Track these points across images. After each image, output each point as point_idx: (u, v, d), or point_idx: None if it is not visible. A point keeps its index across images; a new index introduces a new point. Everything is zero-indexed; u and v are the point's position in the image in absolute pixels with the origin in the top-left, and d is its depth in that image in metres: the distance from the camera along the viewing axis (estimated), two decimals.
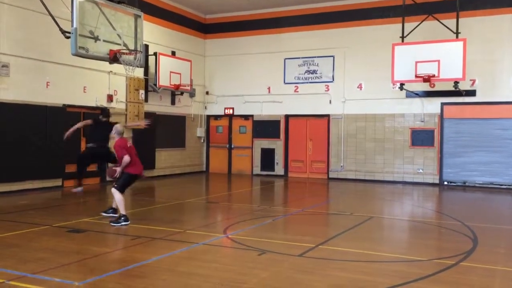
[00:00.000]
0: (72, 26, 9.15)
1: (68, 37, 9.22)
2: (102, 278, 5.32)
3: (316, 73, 17.53)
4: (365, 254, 6.73)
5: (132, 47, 10.31)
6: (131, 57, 9.93)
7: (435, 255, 6.75)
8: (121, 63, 9.97)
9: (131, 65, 9.88)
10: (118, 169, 8.54)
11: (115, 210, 8.90)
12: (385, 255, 6.73)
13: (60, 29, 9.51)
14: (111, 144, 9.76)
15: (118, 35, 10.20)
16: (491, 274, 5.83)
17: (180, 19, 18.05)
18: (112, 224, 8.25)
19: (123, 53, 9.81)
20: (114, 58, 9.71)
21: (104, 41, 9.73)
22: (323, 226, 9.22)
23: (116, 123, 9.73)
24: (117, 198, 8.44)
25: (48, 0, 10.51)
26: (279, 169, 18.19)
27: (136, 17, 10.60)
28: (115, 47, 9.97)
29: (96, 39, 9.66)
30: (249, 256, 6.42)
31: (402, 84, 14.27)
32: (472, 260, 6.39)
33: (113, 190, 8.48)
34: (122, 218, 8.30)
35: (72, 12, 9.15)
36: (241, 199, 12.83)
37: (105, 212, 9.13)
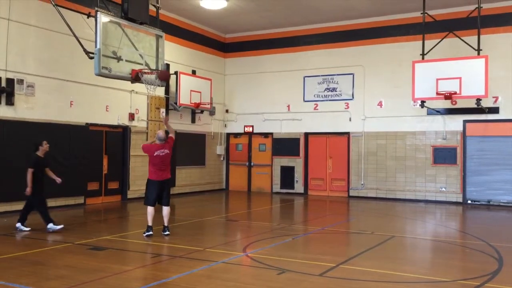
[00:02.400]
0: (95, 47, 9.35)
1: (91, 58, 9.41)
2: None
3: (335, 91, 17.53)
4: (387, 274, 6.62)
5: (153, 66, 10.46)
6: (153, 76, 10.07)
7: (459, 276, 6.60)
8: (142, 83, 10.11)
9: (152, 84, 10.01)
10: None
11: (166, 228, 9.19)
12: (408, 276, 6.61)
13: (84, 50, 9.71)
14: None
15: (140, 55, 10.36)
16: None
17: (201, 39, 18.30)
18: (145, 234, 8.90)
19: (145, 73, 9.95)
20: (136, 77, 9.87)
21: (126, 61, 9.90)
22: (343, 245, 9.11)
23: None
24: (148, 211, 9.12)
25: (72, 22, 10.74)
26: (299, 187, 18.11)
27: (158, 37, 10.78)
28: (137, 67, 10.13)
29: (118, 59, 9.84)
30: (269, 275, 6.38)
31: (423, 102, 14.16)
32: (497, 281, 6.24)
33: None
34: (149, 229, 9.00)
35: (96, 33, 9.35)
36: (261, 217, 12.78)
37: (163, 230, 9.22)
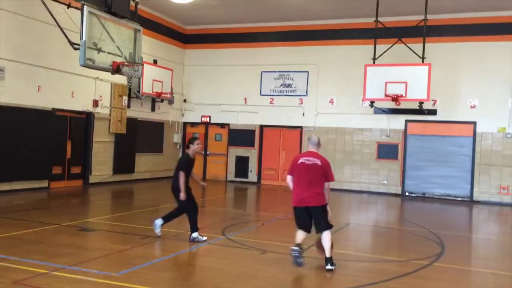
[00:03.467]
0: (81, 38, 9.75)
1: (76, 49, 9.82)
2: (134, 270, 6.06)
3: (291, 87, 18.60)
4: (352, 255, 7.74)
5: (131, 58, 10.97)
6: (132, 68, 10.61)
7: (412, 257, 7.81)
8: (123, 74, 10.63)
9: (132, 76, 10.56)
10: None
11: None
12: (369, 256, 7.77)
13: (69, 41, 10.08)
14: None
15: (118, 47, 10.84)
16: (461, 273, 6.95)
17: (162, 29, 18.70)
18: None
19: (126, 65, 10.47)
20: (117, 69, 10.36)
21: (108, 53, 10.36)
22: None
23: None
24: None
25: (52, 11, 10.99)
26: (252, 176, 19.10)
27: (136, 31, 11.29)
28: (117, 59, 10.62)
29: (99, 50, 10.28)
30: (254, 255, 7.29)
31: (372, 102, 15.53)
32: (443, 261, 7.50)
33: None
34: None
35: (81, 25, 9.74)
36: (225, 204, 13.66)
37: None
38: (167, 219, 8.18)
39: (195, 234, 7.90)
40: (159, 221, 8.06)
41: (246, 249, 7.62)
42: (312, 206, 6.63)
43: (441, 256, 7.86)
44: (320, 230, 6.70)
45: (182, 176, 7.84)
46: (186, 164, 7.99)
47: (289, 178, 6.88)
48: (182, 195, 7.86)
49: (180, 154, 19.96)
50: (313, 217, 6.69)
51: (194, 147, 8.08)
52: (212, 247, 7.71)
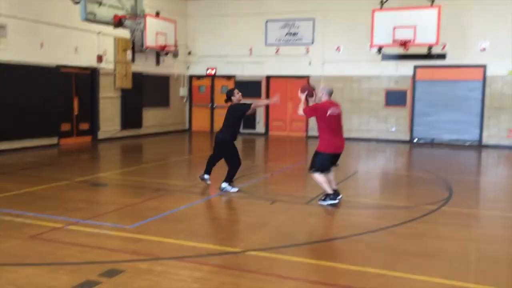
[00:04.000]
0: None
1: (77, 3, 9.66)
2: (146, 222, 6.19)
3: (296, 36, 18.27)
4: (361, 202, 7.83)
5: (133, 11, 10.77)
6: (134, 21, 10.43)
7: (419, 202, 7.87)
8: (125, 28, 10.46)
9: (134, 30, 10.39)
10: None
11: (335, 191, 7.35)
12: (378, 202, 7.86)
13: None
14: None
15: (119, 0, 10.62)
16: (469, 216, 7.02)
17: None
18: (319, 202, 7.33)
19: (127, 18, 10.29)
20: (118, 23, 10.22)
21: (109, 6, 10.17)
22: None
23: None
24: (319, 179, 7.23)
25: None
26: (260, 128, 19.12)
27: None
28: (118, 12, 10.44)
29: (100, 4, 10.11)
30: (263, 205, 7.39)
31: (380, 48, 15.25)
32: (451, 205, 7.56)
33: (313, 174, 7.29)
34: (330, 196, 7.22)
35: None
36: None
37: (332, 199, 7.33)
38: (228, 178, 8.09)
39: (224, 184, 8.01)
40: (223, 184, 7.99)
41: (256, 199, 7.72)
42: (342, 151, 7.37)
43: (449, 200, 7.92)
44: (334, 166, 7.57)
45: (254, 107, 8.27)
46: (242, 107, 8.23)
47: (301, 114, 7.43)
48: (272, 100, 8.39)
49: (187, 108, 20.03)
50: (335, 159, 7.44)
51: (236, 97, 8.35)
52: (222, 198, 7.82)
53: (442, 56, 16.32)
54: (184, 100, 19.97)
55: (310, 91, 7.34)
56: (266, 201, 7.58)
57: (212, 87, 19.81)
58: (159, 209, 6.88)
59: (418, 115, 17.04)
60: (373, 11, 14.85)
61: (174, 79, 19.27)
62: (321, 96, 7.33)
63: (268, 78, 18.81)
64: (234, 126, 8.32)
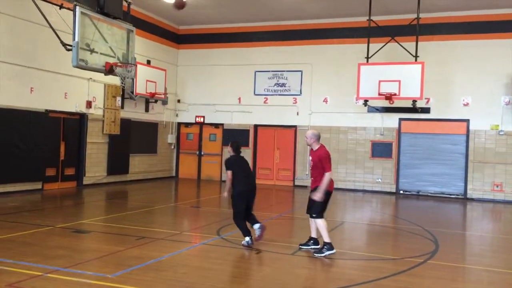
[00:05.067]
0: (73, 39, 9.71)
1: (69, 50, 9.77)
2: (130, 271, 6.05)
3: (285, 86, 18.62)
4: (348, 253, 7.76)
5: (124, 59, 10.94)
6: (125, 69, 10.59)
7: (406, 255, 7.83)
8: (116, 75, 10.60)
9: (125, 77, 10.53)
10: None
11: (316, 241, 7.77)
12: (365, 254, 7.80)
13: (61, 42, 10.04)
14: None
15: (111, 48, 10.80)
16: (455, 270, 6.99)
17: (155, 29, 18.66)
18: (316, 254, 7.33)
19: (119, 66, 10.44)
20: (110, 70, 10.33)
21: (101, 53, 10.33)
22: (303, 229, 10.09)
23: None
24: (320, 225, 7.50)
25: (44, 11, 10.92)
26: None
27: (129, 31, 11.25)
28: (110, 59, 10.58)
29: (92, 51, 10.24)
30: (248, 255, 7.30)
31: (366, 101, 15.56)
32: (437, 259, 7.53)
33: (313, 220, 7.62)
34: (325, 247, 7.37)
35: (74, 26, 9.71)
36: (220, 204, 13.64)
37: (305, 245, 7.80)
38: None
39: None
40: (256, 226, 7.97)
41: (241, 249, 7.62)
42: None
43: (435, 253, 7.89)
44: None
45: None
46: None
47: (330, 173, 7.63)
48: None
49: (175, 155, 20.02)
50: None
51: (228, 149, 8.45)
52: (207, 247, 7.71)
53: (426, 110, 16.70)
54: (172, 147, 19.99)
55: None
56: (251, 250, 7.48)
57: (200, 135, 19.91)
58: (142, 258, 6.75)
59: (404, 167, 17.21)
60: (359, 65, 15.25)
61: (163, 126, 19.36)
62: (312, 143, 7.61)
63: (256, 126, 18.99)
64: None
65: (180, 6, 7.32)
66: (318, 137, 7.65)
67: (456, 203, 15.37)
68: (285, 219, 11.03)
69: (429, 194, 16.76)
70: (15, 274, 5.72)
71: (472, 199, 16.03)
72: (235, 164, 8.06)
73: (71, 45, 9.76)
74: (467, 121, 16.35)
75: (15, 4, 12.65)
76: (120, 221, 9.62)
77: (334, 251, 7.39)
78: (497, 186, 15.94)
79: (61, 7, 10.78)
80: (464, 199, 16.09)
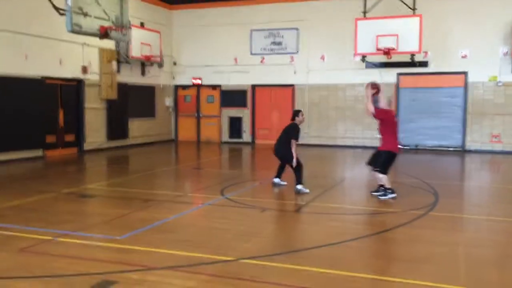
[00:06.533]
0: (66, 3, 9.53)
1: (62, 14, 9.61)
2: (138, 233, 6.17)
3: (281, 45, 18.41)
4: (349, 209, 7.90)
5: (118, 22, 10.76)
6: (120, 32, 10.44)
7: (407, 208, 7.96)
8: (111, 39, 10.46)
9: (120, 41, 10.41)
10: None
11: (383, 186, 8.57)
12: (366, 209, 7.94)
13: (54, 6, 9.84)
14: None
15: (104, 11, 10.60)
16: (455, 220, 7.14)
17: None
18: (380, 197, 8.34)
19: (113, 29, 10.29)
20: (104, 34, 10.19)
21: (94, 17, 10.15)
22: (306, 187, 10.28)
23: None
24: (382, 177, 8.41)
25: None
26: (246, 137, 19.16)
27: None
28: (104, 23, 10.42)
29: (85, 15, 10.05)
30: (254, 213, 7.42)
31: (364, 56, 15.45)
32: (437, 210, 7.68)
33: (377, 175, 8.45)
34: (389, 190, 8.37)
35: None
36: (221, 165, 13.77)
37: (375, 191, 8.65)
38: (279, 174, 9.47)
39: (299, 186, 8.80)
40: (276, 180, 9.43)
41: (246, 208, 7.74)
42: None
43: (435, 205, 8.03)
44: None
45: (294, 144, 8.98)
46: (298, 132, 9.17)
47: (372, 112, 8.38)
48: (295, 162, 8.90)
49: (173, 118, 20.00)
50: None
51: (299, 118, 9.30)
52: (212, 207, 7.83)
53: (424, 64, 16.58)
54: (170, 110, 19.94)
55: (379, 88, 8.47)
56: (256, 209, 7.61)
57: (198, 97, 19.83)
58: (148, 220, 6.86)
59: (402, 122, 17.20)
60: (356, 20, 15.07)
61: (160, 90, 19.26)
62: (382, 104, 8.48)
63: (253, 87, 18.90)
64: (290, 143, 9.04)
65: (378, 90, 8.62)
66: (388, 102, 8.87)
67: (454, 156, 15.51)
68: (285, 178, 11.14)
69: (428, 148, 16.88)
70: (26, 239, 5.83)
71: (470, 151, 16.17)
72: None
73: (64, 10, 9.58)
74: (465, 73, 16.28)
75: None
76: (124, 185, 9.73)
77: (395, 195, 8.32)
78: (495, 137, 16.05)
79: None
80: (462, 151, 16.23)
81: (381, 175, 8.41)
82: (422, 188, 9.56)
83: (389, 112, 8.51)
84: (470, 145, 16.34)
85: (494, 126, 16.04)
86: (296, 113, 9.44)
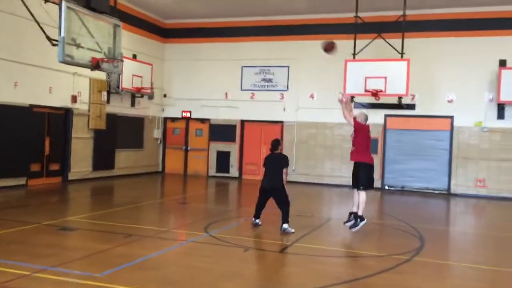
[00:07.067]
0: (59, 34, 9.58)
1: (54, 45, 9.65)
2: (118, 270, 6.03)
3: (271, 82, 18.63)
4: (334, 251, 7.83)
5: (111, 54, 10.83)
6: (112, 64, 10.49)
7: (392, 252, 7.92)
8: (102, 70, 10.50)
9: (112, 72, 10.45)
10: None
11: (355, 215, 8.88)
12: (351, 251, 7.87)
13: (47, 37, 9.89)
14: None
15: (97, 43, 10.68)
16: (441, 267, 7.09)
17: (141, 23, 18.49)
18: (353, 229, 8.61)
19: (105, 61, 10.35)
20: (96, 65, 10.23)
21: (87, 49, 10.22)
22: (291, 226, 10.19)
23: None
24: (363, 198, 8.74)
25: (29, 5, 10.74)
26: (233, 172, 19.10)
27: (116, 26, 11.13)
28: (97, 55, 10.48)
29: (78, 46, 10.12)
30: (237, 252, 7.32)
31: (352, 97, 15.62)
32: (423, 255, 7.64)
33: (362, 192, 8.74)
34: (359, 218, 8.59)
35: (60, 21, 9.57)
36: (207, 200, 13.66)
37: (348, 221, 9.02)
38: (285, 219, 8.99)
39: (286, 225, 8.85)
40: (258, 221, 9.33)
41: (229, 246, 7.64)
42: None
43: (421, 250, 8.00)
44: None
45: (287, 172, 9.32)
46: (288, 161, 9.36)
47: (349, 120, 9.00)
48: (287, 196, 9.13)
49: (161, 150, 19.92)
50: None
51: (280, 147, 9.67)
52: (195, 245, 7.72)
53: (411, 107, 16.82)
54: (158, 142, 19.89)
55: (351, 97, 8.87)
56: (239, 248, 7.51)
57: (187, 130, 19.83)
58: (130, 256, 6.73)
59: (389, 163, 17.36)
60: (346, 61, 15.31)
61: (149, 121, 19.25)
62: (360, 119, 8.82)
63: (242, 122, 18.98)
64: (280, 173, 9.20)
65: (329, 49, 8.96)
66: (365, 118, 8.92)
67: (440, 199, 15.58)
68: (273, 215, 11.04)
69: (414, 190, 16.94)
70: (2, 273, 5.67)
71: (455, 195, 16.25)
72: (266, 160, 9.48)
73: (56, 40, 9.63)
74: (452, 117, 16.53)
75: None
76: (106, 218, 9.57)
77: (365, 221, 8.65)
78: (480, 182, 16.18)
79: (46, 1, 10.58)
80: (448, 195, 16.31)
81: (365, 197, 8.74)
82: (408, 232, 9.54)
83: (366, 127, 8.84)
84: (455, 188, 16.44)
85: (479, 170, 16.19)
86: (278, 142, 9.70)
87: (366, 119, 8.92)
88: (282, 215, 8.96)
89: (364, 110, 9.58)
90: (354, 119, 8.82)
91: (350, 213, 9.06)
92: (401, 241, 8.74)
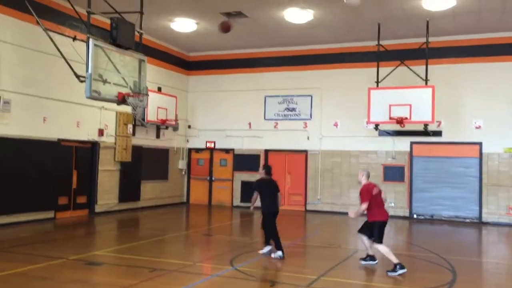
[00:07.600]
0: (87, 71, 9.83)
1: (82, 81, 9.89)
2: None
3: (295, 111, 18.65)
4: (363, 285, 7.63)
5: (136, 88, 11.02)
6: (138, 99, 10.67)
7: (423, 285, 7.68)
8: (128, 105, 10.68)
9: (138, 106, 10.62)
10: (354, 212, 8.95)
11: (373, 257, 9.04)
12: (382, 286, 7.65)
13: (75, 74, 10.14)
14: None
15: (123, 78, 10.89)
16: None
17: (165, 56, 18.86)
18: (389, 273, 8.22)
19: (131, 96, 10.53)
20: (122, 100, 10.42)
21: (113, 84, 10.43)
22: (318, 258, 9.97)
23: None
24: (383, 250, 8.55)
25: (58, 43, 11.07)
26: (258, 202, 18.93)
27: (141, 61, 11.37)
28: (122, 89, 10.68)
29: (104, 82, 10.34)
30: (263, 287, 7.19)
31: (377, 125, 15.52)
32: None
33: (376, 245, 8.66)
34: (398, 266, 8.26)
35: (87, 58, 9.84)
36: (232, 232, 13.58)
37: (363, 259, 9.14)
38: (277, 245, 9.40)
39: (280, 253, 9.25)
40: (279, 253, 9.31)
41: (255, 281, 7.53)
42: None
43: (453, 284, 7.74)
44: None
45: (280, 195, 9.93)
46: None
47: (366, 205, 8.68)
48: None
49: (186, 181, 20.01)
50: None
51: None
52: (221, 279, 7.63)
53: (438, 133, 16.57)
54: (183, 173, 20.00)
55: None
56: (265, 283, 7.39)
57: (211, 160, 19.91)
58: None
59: (417, 191, 17.03)
60: (369, 90, 15.26)
61: (174, 152, 19.42)
62: (361, 178, 8.97)
63: (266, 151, 18.97)
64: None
65: (225, 29, 9.10)
66: (367, 175, 9.02)
67: (471, 228, 15.14)
68: (299, 247, 10.91)
69: (443, 218, 16.53)
70: None
71: (487, 223, 15.78)
72: (263, 185, 9.82)
73: (84, 77, 9.86)
74: (480, 144, 16.20)
75: (28, 36, 12.84)
76: (132, 252, 9.58)
77: (405, 269, 8.20)
78: None
79: (74, 39, 10.91)
80: (479, 223, 15.84)
81: (380, 247, 8.60)
82: (438, 264, 9.26)
83: (369, 190, 8.75)
84: (486, 216, 15.98)
85: (511, 198, 15.73)
86: (271, 168, 10.36)
87: (368, 175, 9.07)
88: (276, 242, 9.35)
89: (364, 169, 9.55)
90: (360, 190, 8.88)
91: (367, 255, 9.14)
92: (432, 274, 8.47)
